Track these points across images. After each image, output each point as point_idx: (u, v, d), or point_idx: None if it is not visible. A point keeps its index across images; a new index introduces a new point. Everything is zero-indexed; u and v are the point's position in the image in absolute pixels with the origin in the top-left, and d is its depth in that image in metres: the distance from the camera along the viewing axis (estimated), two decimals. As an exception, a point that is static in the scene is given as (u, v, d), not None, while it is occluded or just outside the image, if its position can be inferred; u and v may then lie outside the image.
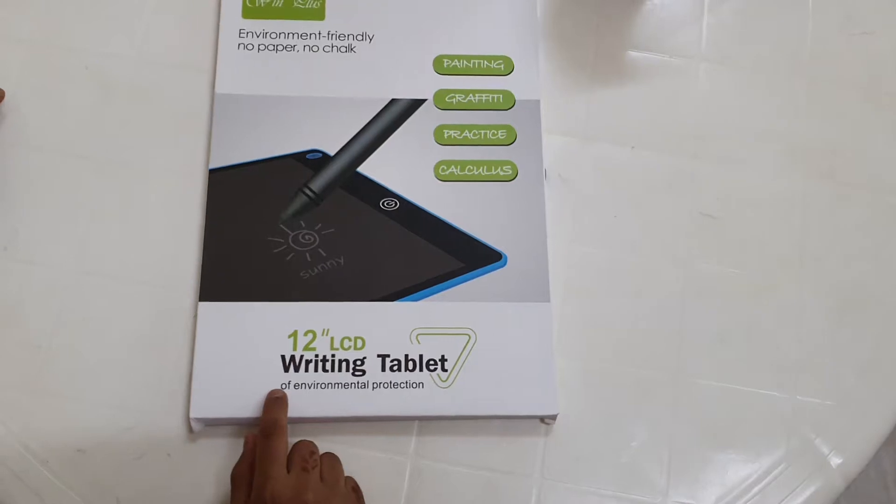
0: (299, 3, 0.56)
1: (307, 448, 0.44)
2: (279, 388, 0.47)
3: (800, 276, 0.53)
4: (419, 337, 0.49)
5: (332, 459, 0.45)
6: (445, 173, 0.53)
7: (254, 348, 0.48)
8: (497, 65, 0.56)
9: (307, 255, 0.50)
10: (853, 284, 0.53)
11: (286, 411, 0.46)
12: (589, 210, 0.54)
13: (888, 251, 0.54)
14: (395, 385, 0.48)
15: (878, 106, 0.58)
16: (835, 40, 0.60)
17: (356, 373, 0.48)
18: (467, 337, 0.49)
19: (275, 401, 0.46)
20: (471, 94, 0.55)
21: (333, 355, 0.48)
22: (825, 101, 0.58)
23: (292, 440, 0.45)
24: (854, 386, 0.51)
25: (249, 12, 0.56)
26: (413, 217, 0.52)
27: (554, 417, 0.48)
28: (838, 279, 0.53)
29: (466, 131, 0.54)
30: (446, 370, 0.48)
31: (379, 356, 0.48)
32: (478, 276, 0.51)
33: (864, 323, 0.52)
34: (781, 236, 0.54)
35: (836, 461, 0.49)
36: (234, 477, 0.44)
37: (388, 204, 0.52)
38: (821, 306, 0.52)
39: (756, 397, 0.50)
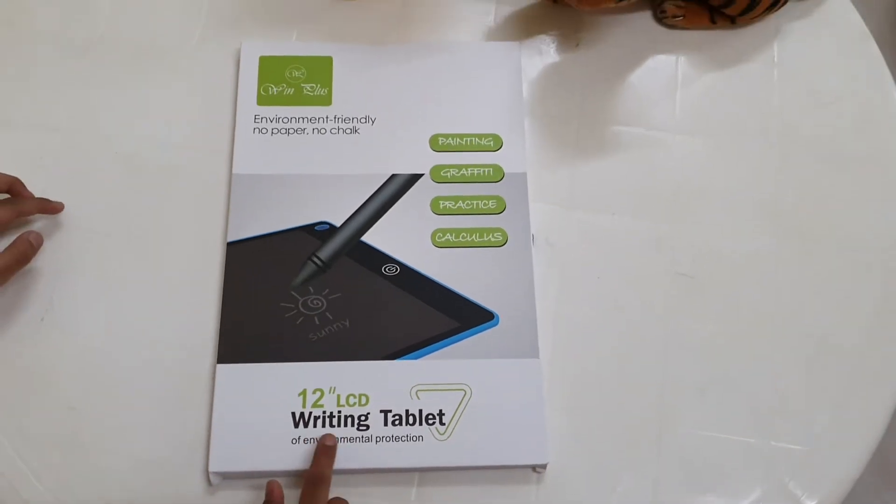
0: (308, 91, 0.62)
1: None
2: (329, 435, 0.51)
3: (772, 330, 0.57)
4: (419, 393, 0.53)
5: None
6: (441, 240, 0.58)
7: (267, 406, 0.52)
8: (487, 142, 0.61)
9: (316, 318, 0.55)
10: (822, 336, 0.57)
11: (332, 464, 0.50)
12: (574, 272, 0.58)
13: (855, 303, 0.58)
14: (397, 439, 0.52)
15: (841, 168, 0.63)
16: (800, 110, 0.65)
17: (360, 427, 0.52)
18: (463, 392, 0.53)
19: (325, 450, 0.50)
20: (464, 169, 0.60)
21: (339, 411, 0.52)
22: (792, 165, 0.63)
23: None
24: (825, 431, 0.54)
25: (263, 100, 0.62)
26: (412, 281, 0.56)
27: (544, 466, 0.52)
28: (809, 331, 0.57)
29: (460, 202, 0.59)
30: (444, 424, 0.52)
31: (381, 412, 0.53)
32: (472, 334, 0.55)
33: (834, 372, 0.56)
34: (755, 292, 0.58)
35: (809, 503, 0.52)
36: None
37: (389, 269, 0.57)
38: (793, 357, 0.56)
39: (734, 444, 0.54)
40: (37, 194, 0.58)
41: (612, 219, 0.60)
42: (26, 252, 0.54)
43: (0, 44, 0.64)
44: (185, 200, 0.59)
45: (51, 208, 0.57)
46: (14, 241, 0.53)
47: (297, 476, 0.51)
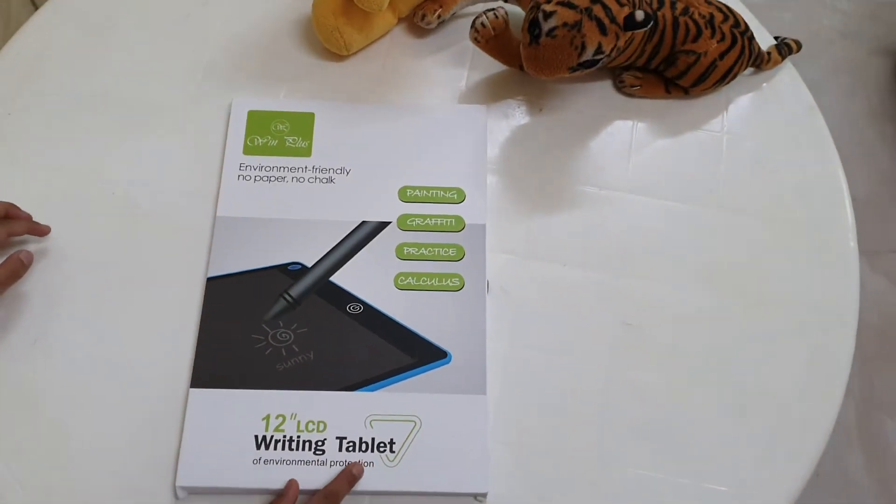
0: (290, 143, 0.68)
1: None
2: (358, 465, 0.56)
3: (708, 379, 0.61)
4: (372, 422, 0.58)
5: None
6: (403, 283, 0.63)
7: (233, 428, 0.57)
8: (451, 195, 0.67)
9: (283, 350, 0.60)
10: (754, 387, 0.61)
11: (349, 489, 0.55)
12: (525, 317, 0.63)
13: (786, 358, 0.62)
14: (350, 463, 0.56)
15: (781, 232, 0.67)
16: (745, 176, 0.70)
17: (317, 452, 0.57)
18: (413, 423, 0.58)
19: (348, 475, 0.55)
20: (428, 218, 0.66)
21: (299, 436, 0.57)
22: (735, 227, 0.67)
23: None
24: (750, 475, 0.58)
25: (249, 150, 0.68)
26: (374, 319, 0.61)
27: (485, 495, 0.56)
28: (741, 382, 0.61)
29: (423, 249, 0.64)
30: (394, 452, 0.57)
31: (337, 438, 0.57)
32: (426, 370, 0.60)
33: (762, 421, 0.60)
34: (693, 343, 0.62)
35: (731, 541, 0.56)
36: None
37: (353, 308, 0.62)
38: (725, 405, 0.60)
39: (667, 483, 0.57)
40: (39, 227, 0.64)
41: (564, 270, 0.65)
42: (18, 269, 0.59)
43: (17, 96, 0.71)
44: (172, 238, 0.65)
45: (38, 230, 0.63)
46: (6, 259, 0.59)
47: (258, 494, 0.56)
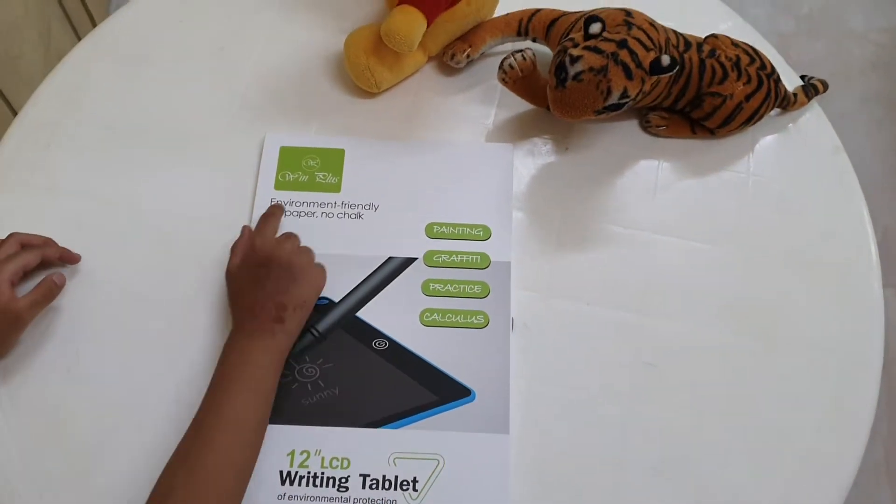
0: (321, 179, 0.70)
1: (294, 235, 0.65)
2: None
3: (728, 420, 0.61)
4: (396, 460, 0.58)
5: (308, 249, 0.64)
6: (429, 320, 0.64)
7: (259, 463, 0.57)
8: (477, 232, 0.68)
9: (308, 385, 0.61)
10: (775, 429, 0.61)
11: (281, 215, 0.67)
12: (547, 355, 0.63)
13: (810, 398, 0.62)
14: (373, 501, 0.57)
15: (804, 274, 0.68)
16: (770, 217, 0.70)
17: (341, 489, 0.57)
18: (436, 462, 0.58)
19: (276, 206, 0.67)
20: (454, 255, 0.66)
21: (323, 473, 0.58)
22: (758, 268, 0.68)
23: None
24: (771, 521, 0.58)
25: (280, 185, 0.69)
26: (399, 356, 0.62)
27: (506, 535, 0.57)
28: (762, 424, 0.61)
29: (448, 285, 0.65)
30: (417, 490, 0.57)
31: (361, 475, 0.58)
32: (449, 409, 0.60)
33: (783, 464, 0.60)
34: (713, 384, 0.63)
35: (751, 589, 0.55)
36: (234, 247, 0.64)
37: (379, 344, 0.63)
38: (745, 447, 0.60)
39: (686, 527, 0.58)
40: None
41: (586, 308, 0.65)
42: (52, 290, 0.61)
43: (56, 127, 0.73)
44: (204, 270, 0.66)
45: (69, 257, 0.65)
46: (41, 282, 0.61)
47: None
